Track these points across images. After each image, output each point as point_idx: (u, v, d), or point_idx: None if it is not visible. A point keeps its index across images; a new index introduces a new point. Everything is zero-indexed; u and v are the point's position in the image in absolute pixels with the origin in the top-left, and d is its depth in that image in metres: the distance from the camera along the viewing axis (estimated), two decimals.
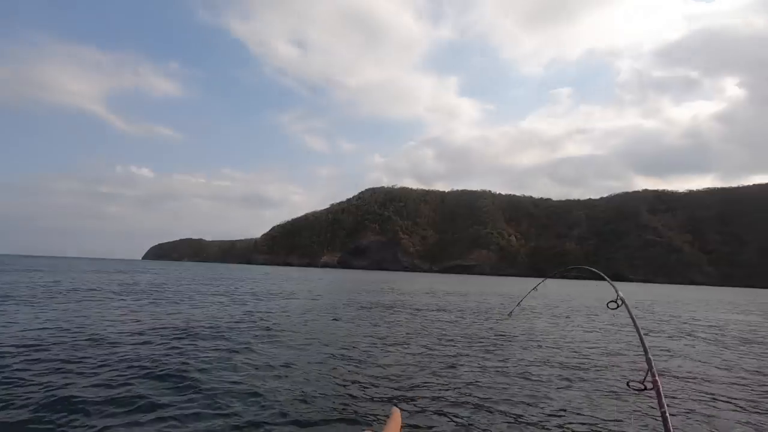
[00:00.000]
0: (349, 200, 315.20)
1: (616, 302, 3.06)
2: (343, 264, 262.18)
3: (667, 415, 1.82)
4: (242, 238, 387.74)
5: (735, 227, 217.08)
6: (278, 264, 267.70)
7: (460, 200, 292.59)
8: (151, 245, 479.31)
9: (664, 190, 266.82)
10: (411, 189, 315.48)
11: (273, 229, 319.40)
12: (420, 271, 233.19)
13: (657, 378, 2.13)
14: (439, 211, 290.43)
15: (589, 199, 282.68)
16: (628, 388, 2.44)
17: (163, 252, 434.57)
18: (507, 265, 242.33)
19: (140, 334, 9.48)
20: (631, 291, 67.50)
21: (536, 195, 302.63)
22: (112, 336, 9.06)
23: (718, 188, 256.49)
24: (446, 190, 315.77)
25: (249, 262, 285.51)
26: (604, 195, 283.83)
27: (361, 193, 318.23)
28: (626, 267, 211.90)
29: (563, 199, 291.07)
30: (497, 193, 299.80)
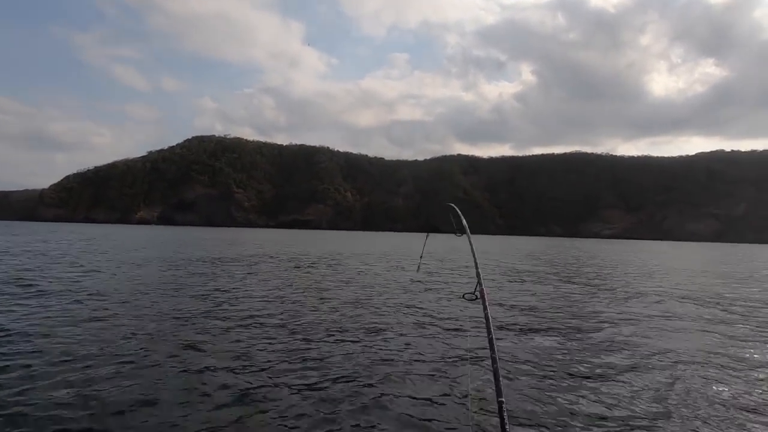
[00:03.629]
0: (172, 148, 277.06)
1: (459, 233, 3.87)
2: (164, 220, 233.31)
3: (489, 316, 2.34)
4: (20, 188, 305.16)
5: (518, 188, 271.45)
6: (77, 220, 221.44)
7: (298, 154, 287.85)
8: None
9: (473, 155, 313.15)
10: (246, 140, 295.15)
11: (68, 178, 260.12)
12: (255, 227, 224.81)
13: (483, 288, 2.65)
14: (277, 165, 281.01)
15: (416, 160, 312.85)
16: (464, 299, 2.88)
17: None
18: (342, 219, 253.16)
19: None
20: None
21: (371, 154, 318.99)
22: None
23: (509, 156, 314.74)
24: (284, 144, 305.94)
25: (32, 218, 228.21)
26: (428, 157, 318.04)
27: (188, 140, 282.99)
28: (442, 220, 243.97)
29: (394, 158, 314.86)
30: (335, 149, 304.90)
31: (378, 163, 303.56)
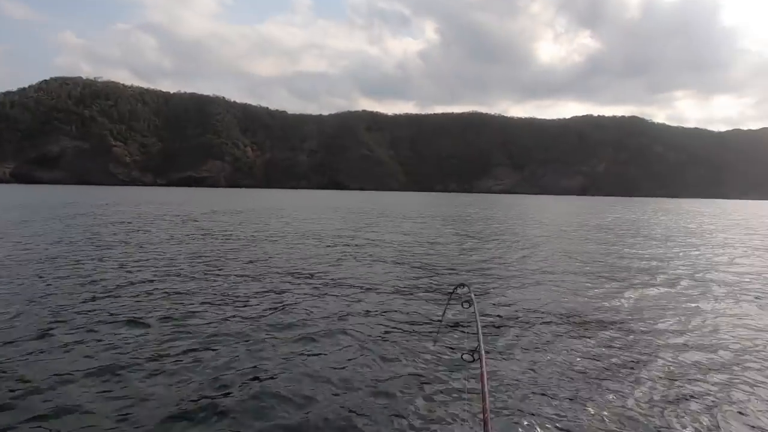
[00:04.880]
0: (23, 90, 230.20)
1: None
2: (21, 177, 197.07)
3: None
4: None
5: (420, 145, 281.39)
6: None
7: (189, 104, 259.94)
8: None
9: (377, 111, 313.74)
10: (123, 85, 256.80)
11: None
12: (140, 185, 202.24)
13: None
14: (163, 116, 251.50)
15: (320, 114, 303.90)
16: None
17: None
18: (242, 176, 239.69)
19: None
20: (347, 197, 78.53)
21: (272, 106, 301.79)
22: None
23: (413, 114, 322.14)
24: (172, 91, 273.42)
25: None
26: (333, 112, 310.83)
27: (45, 82, 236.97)
28: (346, 177, 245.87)
29: (298, 113, 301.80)
30: (232, 100, 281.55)
31: (280, 116, 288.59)
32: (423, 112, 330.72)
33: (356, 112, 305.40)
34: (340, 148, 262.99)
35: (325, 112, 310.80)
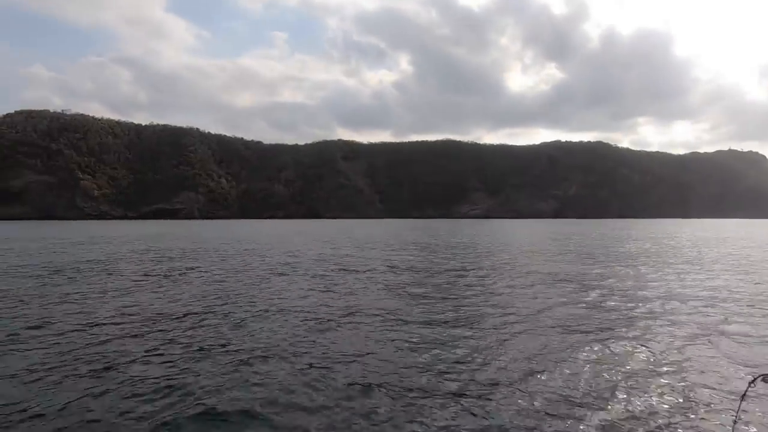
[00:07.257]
0: None
1: None
2: None
3: None
4: None
5: (396, 173, 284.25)
6: None
7: (162, 136, 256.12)
8: None
9: (354, 140, 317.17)
10: (93, 117, 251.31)
11: None
12: (110, 218, 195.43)
13: None
14: (136, 148, 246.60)
15: (296, 144, 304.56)
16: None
17: None
18: (218, 207, 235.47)
19: None
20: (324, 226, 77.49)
21: (249, 137, 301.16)
22: None
23: (389, 142, 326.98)
24: (144, 123, 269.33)
25: None
26: (310, 141, 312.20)
27: (8, 116, 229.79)
28: (324, 206, 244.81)
29: (274, 142, 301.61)
30: (206, 131, 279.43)
31: (255, 147, 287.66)
32: (399, 140, 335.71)
33: (333, 141, 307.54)
34: (317, 177, 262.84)
35: (302, 142, 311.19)
